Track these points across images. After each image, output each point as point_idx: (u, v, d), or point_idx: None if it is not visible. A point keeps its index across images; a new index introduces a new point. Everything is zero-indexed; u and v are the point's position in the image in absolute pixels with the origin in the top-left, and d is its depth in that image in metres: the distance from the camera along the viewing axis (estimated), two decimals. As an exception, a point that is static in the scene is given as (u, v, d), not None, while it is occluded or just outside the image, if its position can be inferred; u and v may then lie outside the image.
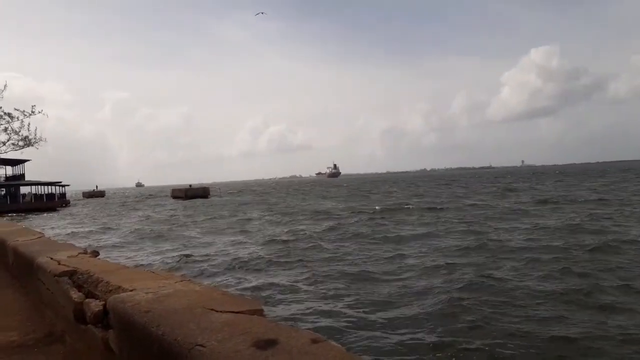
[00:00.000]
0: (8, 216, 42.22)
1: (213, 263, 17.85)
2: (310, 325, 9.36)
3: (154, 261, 19.28)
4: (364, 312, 10.51)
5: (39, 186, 66.72)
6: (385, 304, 11.10)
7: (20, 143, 26.62)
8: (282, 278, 14.64)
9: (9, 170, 67.49)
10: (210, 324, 1.91)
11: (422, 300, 11.32)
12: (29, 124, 26.18)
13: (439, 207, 38.56)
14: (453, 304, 10.69)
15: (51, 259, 4.48)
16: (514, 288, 11.86)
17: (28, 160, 60.96)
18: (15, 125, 25.77)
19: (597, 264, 14.23)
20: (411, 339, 8.76)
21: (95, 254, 4.97)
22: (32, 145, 27.16)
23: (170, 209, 56.46)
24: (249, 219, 36.98)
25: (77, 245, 6.10)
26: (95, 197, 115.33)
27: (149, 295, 2.45)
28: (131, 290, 2.68)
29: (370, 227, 26.46)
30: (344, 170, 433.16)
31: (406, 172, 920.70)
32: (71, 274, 3.76)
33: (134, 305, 2.30)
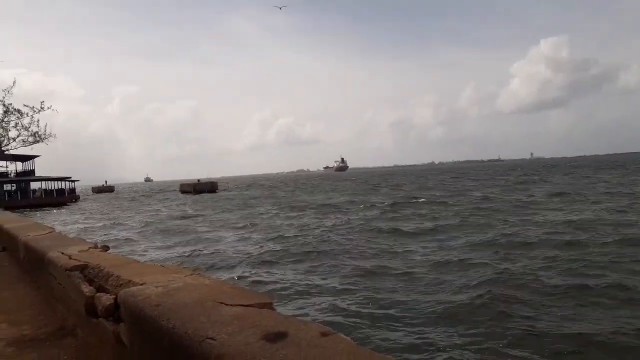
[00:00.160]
0: (19, 211, 42.65)
1: (222, 257, 17.92)
2: (319, 321, 9.32)
3: (163, 255, 19.40)
4: (374, 307, 10.38)
5: (49, 182, 67.25)
6: (396, 300, 10.93)
7: (30, 139, 26.90)
8: (291, 272, 14.66)
9: (19, 166, 68.04)
10: (220, 317, 1.92)
11: (434, 296, 11.15)
12: (38, 120, 26.39)
13: (449, 200, 38.15)
14: (468, 300, 10.49)
15: (62, 253, 4.52)
16: (530, 283, 11.57)
17: (38, 156, 61.52)
18: (25, 121, 25.99)
19: (618, 257, 13.82)
20: (423, 336, 8.61)
21: (106, 248, 5.01)
22: (42, 141, 27.41)
23: (179, 204, 56.73)
24: (258, 214, 37.05)
25: (88, 240, 6.15)
26: (105, 192, 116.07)
27: (159, 289, 2.46)
28: (141, 284, 2.70)
29: (380, 221, 26.26)
30: (351, 164, 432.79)
31: (414, 165, 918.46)
32: (82, 268, 3.79)
33: (145, 299, 2.31)
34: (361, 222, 26.28)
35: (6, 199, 56.59)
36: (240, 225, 29.32)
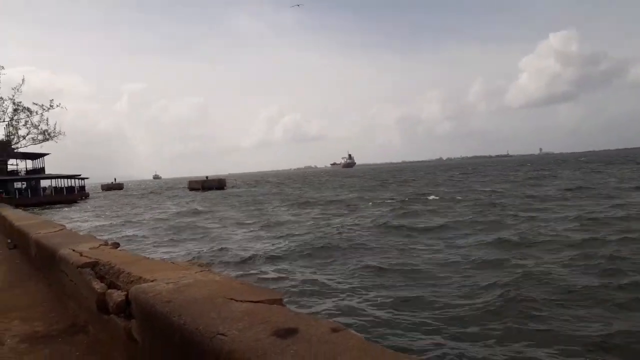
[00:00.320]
0: (29, 209, 43.05)
1: (232, 254, 17.97)
2: (328, 318, 9.23)
3: (173, 252, 19.51)
4: (385, 306, 10.24)
5: (59, 179, 67.76)
6: (408, 298, 10.75)
7: (40, 137, 27.05)
8: (301, 269, 14.63)
9: (29, 164, 68.63)
10: (230, 314, 1.93)
11: (447, 295, 10.90)
12: (48, 118, 26.57)
13: (459, 197, 37.90)
14: (482, 300, 10.23)
15: (73, 250, 4.56)
16: (548, 282, 11.27)
17: (47, 154, 62.00)
18: (35, 119, 26.17)
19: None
20: (436, 336, 8.44)
21: (116, 245, 5.05)
22: (52, 139, 27.59)
23: (188, 201, 56.93)
24: (267, 211, 37.10)
25: (98, 237, 6.19)
26: (114, 189, 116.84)
27: (170, 286, 2.48)
28: (152, 281, 2.72)
29: (390, 218, 26.06)
30: (358, 160, 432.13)
31: (422, 161, 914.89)
32: (93, 265, 3.82)
33: (156, 296, 2.33)
34: (371, 219, 26.14)
35: (17, 196, 57.08)
36: (249, 222, 29.39)
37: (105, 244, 5.05)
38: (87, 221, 37.03)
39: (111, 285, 3.30)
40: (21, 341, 3.76)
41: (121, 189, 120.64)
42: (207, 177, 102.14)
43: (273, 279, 13.60)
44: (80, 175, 71.68)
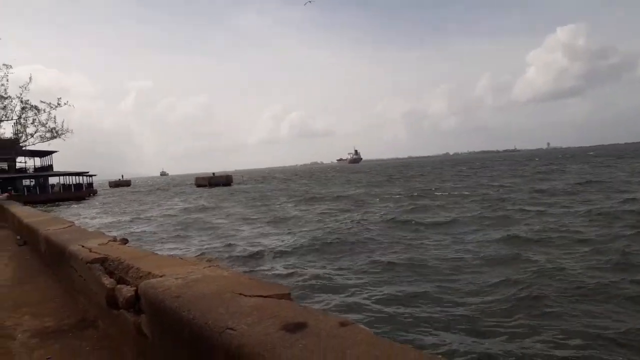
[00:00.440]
0: (38, 206, 43.40)
1: (239, 249, 18.04)
2: (338, 313, 9.20)
3: (181, 248, 19.61)
4: (394, 303, 10.16)
5: (67, 177, 68.21)
6: (417, 295, 10.64)
7: (48, 135, 27.22)
8: (308, 265, 14.63)
9: (38, 162, 69.16)
10: (239, 308, 1.93)
11: (456, 291, 10.77)
12: (55, 116, 26.72)
13: (467, 192, 37.62)
14: (492, 298, 10.09)
15: (82, 246, 4.60)
16: (561, 279, 11.06)
17: (55, 151, 62.45)
18: (43, 117, 26.31)
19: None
20: (446, 334, 8.33)
21: (125, 241, 5.08)
22: (59, 137, 27.75)
23: (195, 197, 57.14)
24: (274, 206, 37.17)
25: (107, 233, 6.23)
26: (121, 186, 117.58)
27: (179, 281, 2.50)
28: (161, 276, 2.73)
29: (398, 214, 25.82)
30: (365, 155, 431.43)
31: (428, 156, 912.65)
32: (102, 261, 3.85)
33: (165, 291, 2.34)
34: (379, 214, 26.06)
35: (25, 194, 57.55)
36: (256, 217, 29.46)
37: (114, 240, 5.08)
38: (95, 218, 37.29)
39: (120, 281, 3.32)
40: (32, 336, 3.80)
41: (128, 185, 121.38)
42: (213, 173, 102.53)
43: (281, 274, 13.62)
44: (88, 172, 72.14)
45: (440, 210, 27.10)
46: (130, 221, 32.88)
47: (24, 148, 37.19)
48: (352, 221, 23.82)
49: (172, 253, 16.54)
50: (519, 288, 10.56)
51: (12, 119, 25.90)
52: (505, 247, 15.45)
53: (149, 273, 2.94)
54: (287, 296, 2.18)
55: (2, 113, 25.32)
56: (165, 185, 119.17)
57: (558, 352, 7.35)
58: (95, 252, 4.15)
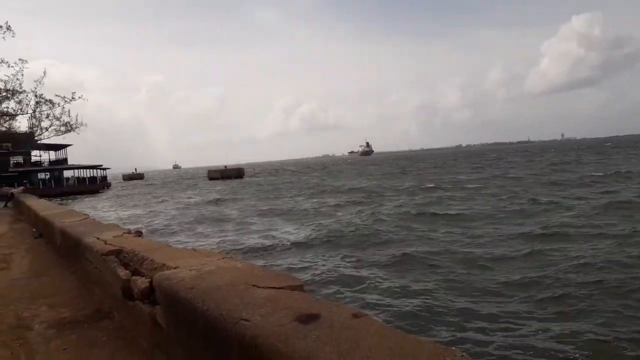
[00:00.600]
0: (53, 199, 44.00)
1: (253, 242, 18.12)
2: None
3: (194, 240, 19.75)
4: (408, 297, 10.04)
5: (82, 170, 68.92)
6: (432, 290, 10.51)
7: (62, 128, 27.46)
8: (322, 257, 14.60)
9: (52, 155, 69.97)
10: (253, 300, 1.95)
11: (471, 288, 10.55)
12: (69, 110, 26.94)
13: (482, 184, 37.23)
14: (514, 294, 9.90)
15: (97, 239, 4.65)
16: (587, 272, 10.83)
17: (70, 145, 63.04)
18: (57, 111, 26.56)
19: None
20: (461, 328, 8.21)
21: (139, 233, 5.13)
22: (73, 130, 28.00)
23: (208, 190, 57.48)
24: (286, 199, 37.26)
25: (121, 225, 6.30)
26: (135, 179, 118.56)
27: (193, 272, 2.52)
28: (175, 268, 2.76)
29: (413, 207, 25.55)
30: (376, 148, 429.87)
31: (440, 148, 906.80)
32: (117, 252, 3.90)
33: (179, 282, 2.37)
34: (392, 207, 25.94)
35: (41, 187, 58.26)
36: (268, 210, 29.55)
37: (129, 232, 5.14)
38: (109, 210, 37.67)
39: (135, 272, 3.36)
40: (49, 327, 3.87)
41: (142, 178, 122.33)
42: (225, 166, 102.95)
43: (295, 266, 13.63)
44: (102, 165, 72.83)
45: (455, 202, 26.82)
46: (145, 213, 33.18)
47: (38, 142, 37.54)
48: (365, 214, 23.69)
49: (185, 245, 16.67)
50: (537, 283, 10.40)
51: (27, 113, 26.23)
52: (522, 241, 15.16)
53: (164, 265, 2.97)
54: (300, 288, 2.19)
55: (18, 107, 25.62)
56: (178, 178, 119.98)
57: (579, 350, 7.19)
58: (110, 244, 4.19)
